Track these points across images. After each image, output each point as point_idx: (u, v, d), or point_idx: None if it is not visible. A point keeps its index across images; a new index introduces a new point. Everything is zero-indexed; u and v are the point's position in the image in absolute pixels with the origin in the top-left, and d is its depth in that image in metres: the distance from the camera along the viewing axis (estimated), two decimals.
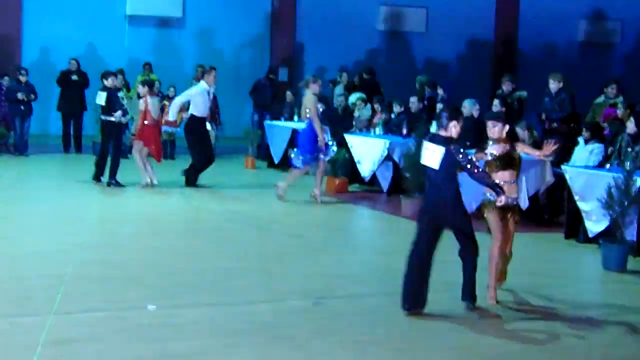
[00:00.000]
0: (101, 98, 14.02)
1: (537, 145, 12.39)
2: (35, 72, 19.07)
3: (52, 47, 21.27)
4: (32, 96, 17.97)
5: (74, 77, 18.89)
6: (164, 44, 22.57)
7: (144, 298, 7.39)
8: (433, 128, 14.07)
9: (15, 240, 9.67)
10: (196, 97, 14.33)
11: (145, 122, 14.02)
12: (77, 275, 8.14)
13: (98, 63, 20.12)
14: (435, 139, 7.44)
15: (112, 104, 14.02)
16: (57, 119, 18.99)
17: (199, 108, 14.25)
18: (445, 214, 7.38)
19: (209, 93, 14.38)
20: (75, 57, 19.21)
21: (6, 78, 18.49)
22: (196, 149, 14.39)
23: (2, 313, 6.81)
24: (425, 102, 16.07)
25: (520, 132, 12.34)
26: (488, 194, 7.83)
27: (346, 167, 14.77)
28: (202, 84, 14.40)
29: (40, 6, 21.61)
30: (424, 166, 7.48)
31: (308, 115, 13.13)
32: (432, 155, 7.34)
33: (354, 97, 17.15)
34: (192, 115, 14.30)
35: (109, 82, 14.11)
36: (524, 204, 11.52)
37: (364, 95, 16.99)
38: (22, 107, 17.84)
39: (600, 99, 14.41)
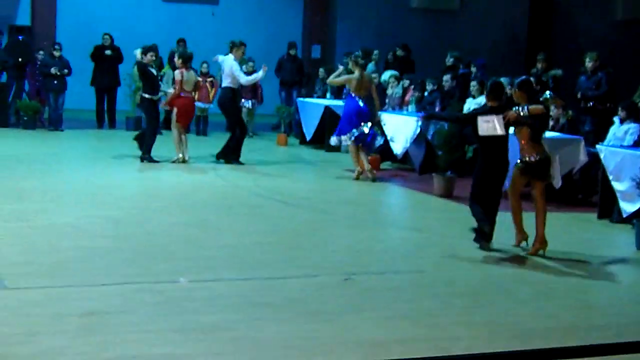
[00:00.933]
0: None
1: (571, 123, 12.32)
2: (70, 47, 19.19)
3: (87, 22, 21.39)
4: (66, 71, 18.09)
5: (108, 52, 18.98)
6: (198, 20, 22.62)
7: (175, 271, 7.44)
8: (468, 105, 14.04)
9: (49, 213, 9.76)
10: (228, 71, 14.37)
11: (181, 94, 14.13)
12: (110, 248, 8.22)
13: (133, 38, 20.19)
14: (493, 110, 8.58)
15: (145, 79, 14.15)
16: (92, 94, 19.10)
17: (228, 80, 14.28)
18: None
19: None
20: (109, 33, 19.29)
21: (41, 52, 18.64)
22: (234, 118, 14.50)
23: (37, 284, 6.88)
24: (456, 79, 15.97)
25: (554, 111, 12.26)
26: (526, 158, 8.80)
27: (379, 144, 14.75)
28: (230, 58, 14.39)
29: None
30: (480, 137, 8.63)
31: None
32: (495, 125, 8.47)
33: (386, 75, 17.09)
34: (226, 87, 14.34)
35: (146, 58, 14.20)
36: (558, 183, 11.44)
37: (397, 73, 16.93)
38: (55, 82, 17.97)
39: None
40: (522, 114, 8.51)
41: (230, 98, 14.38)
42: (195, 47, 20.10)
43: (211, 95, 18.17)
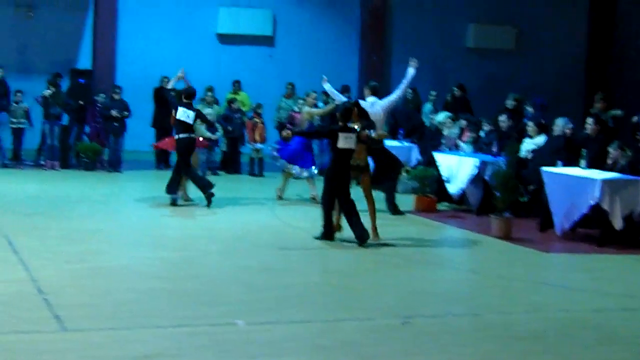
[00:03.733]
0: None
1: (631, 164, 12.14)
2: (129, 89, 19.49)
3: (146, 65, 21.71)
4: (126, 113, 18.38)
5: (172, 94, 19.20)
6: (255, 62, 22.84)
7: (232, 314, 7.43)
8: (526, 145, 13.96)
9: (105, 255, 9.86)
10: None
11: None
12: (166, 290, 8.25)
13: (190, 80, 20.45)
14: (345, 129, 10.86)
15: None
16: (150, 135, 19.34)
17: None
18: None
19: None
20: (167, 75, 19.53)
21: (101, 95, 18.96)
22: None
23: (96, 326, 6.93)
24: (525, 119, 15.77)
25: (613, 152, 12.09)
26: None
27: (435, 185, 14.66)
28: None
29: (134, 24, 22.12)
30: (339, 149, 10.79)
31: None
32: (353, 140, 10.82)
33: (441, 116, 17.05)
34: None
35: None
36: (619, 224, 11.26)
37: (451, 114, 16.88)
38: (115, 124, 18.26)
39: None
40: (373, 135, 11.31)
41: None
42: (251, 88, 20.38)
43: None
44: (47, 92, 18.25)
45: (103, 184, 16.35)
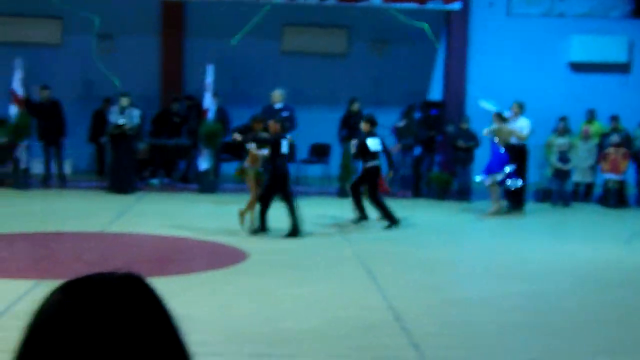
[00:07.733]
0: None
1: None
2: (479, 119, 19.62)
3: (497, 95, 21.76)
4: (472, 143, 18.57)
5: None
6: (608, 90, 22.14)
7: (589, 352, 7.22)
8: None
9: (459, 285, 9.97)
10: None
11: None
12: (525, 324, 8.14)
13: (541, 109, 20.25)
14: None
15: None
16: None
17: None
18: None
19: None
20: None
21: (451, 126, 19.30)
22: None
23: (453, 356, 7.01)
24: None
25: None
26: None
27: None
28: None
29: (486, 55, 22.30)
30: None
31: None
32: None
33: None
34: None
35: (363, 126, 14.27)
36: None
37: None
38: (462, 154, 18.51)
39: None
40: None
41: None
42: (605, 118, 19.75)
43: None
44: (400, 124, 18.88)
45: (449, 213, 16.49)
